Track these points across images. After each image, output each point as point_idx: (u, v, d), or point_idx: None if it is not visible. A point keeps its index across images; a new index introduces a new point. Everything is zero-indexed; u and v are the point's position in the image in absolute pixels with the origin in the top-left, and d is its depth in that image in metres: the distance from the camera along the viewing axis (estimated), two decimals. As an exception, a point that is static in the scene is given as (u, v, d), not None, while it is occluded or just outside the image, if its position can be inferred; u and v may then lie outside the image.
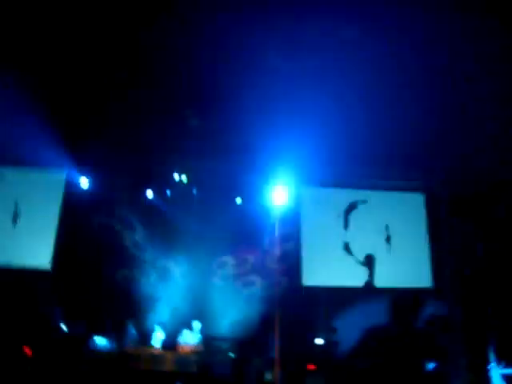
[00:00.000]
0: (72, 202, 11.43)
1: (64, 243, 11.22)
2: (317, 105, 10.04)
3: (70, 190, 11.46)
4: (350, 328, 10.65)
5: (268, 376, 9.66)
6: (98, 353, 9.51)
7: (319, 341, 10.43)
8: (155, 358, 9.43)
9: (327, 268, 11.51)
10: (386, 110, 10.09)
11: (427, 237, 11.86)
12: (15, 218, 11.40)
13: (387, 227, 11.91)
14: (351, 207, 12.03)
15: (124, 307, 10.63)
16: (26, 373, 9.37)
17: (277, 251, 11.39)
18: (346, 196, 12.14)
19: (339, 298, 11.09)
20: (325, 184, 12.09)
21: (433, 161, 11.47)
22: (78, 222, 11.26)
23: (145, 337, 10.11)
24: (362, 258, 11.63)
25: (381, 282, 11.51)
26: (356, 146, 11.10)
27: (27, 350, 9.59)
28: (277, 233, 11.42)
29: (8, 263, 11.00)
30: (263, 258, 11.48)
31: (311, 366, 9.85)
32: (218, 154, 11.35)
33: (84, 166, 11.36)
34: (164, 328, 10.20)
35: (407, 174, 11.98)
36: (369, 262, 11.56)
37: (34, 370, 9.41)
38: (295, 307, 10.88)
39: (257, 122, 10.64)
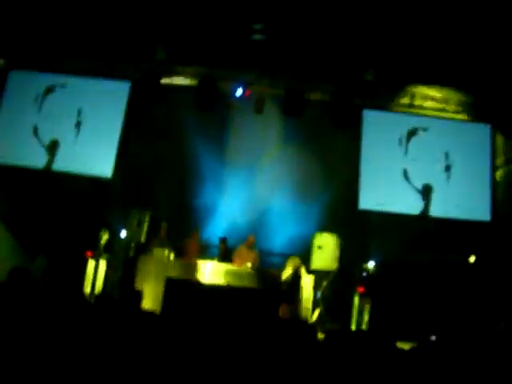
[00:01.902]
0: (135, 112, 11.59)
1: (126, 153, 11.48)
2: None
3: (134, 101, 11.57)
4: (400, 255, 10.81)
5: (318, 295, 9.91)
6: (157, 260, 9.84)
7: (370, 264, 10.56)
8: (210, 270, 9.65)
9: (384, 193, 11.48)
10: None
11: (490, 169, 11.61)
12: (78, 126, 11.63)
13: (447, 156, 11.67)
14: (412, 133, 11.79)
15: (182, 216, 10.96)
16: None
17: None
18: (407, 122, 11.88)
19: (393, 224, 11.15)
20: (387, 108, 11.87)
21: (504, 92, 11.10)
22: (140, 133, 11.47)
23: (203, 248, 10.30)
24: (419, 186, 11.50)
25: (437, 211, 11.43)
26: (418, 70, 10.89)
27: (88, 253, 10.00)
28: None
29: (70, 170, 11.38)
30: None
31: (361, 289, 10.02)
32: (280, 70, 11.24)
33: (147, 77, 11.38)
34: (225, 241, 10.32)
35: (471, 102, 11.64)
36: (426, 190, 11.43)
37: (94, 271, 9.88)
38: (350, 229, 11.01)
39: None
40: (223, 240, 10.15)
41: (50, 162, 11.47)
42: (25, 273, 5.69)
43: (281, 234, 11.08)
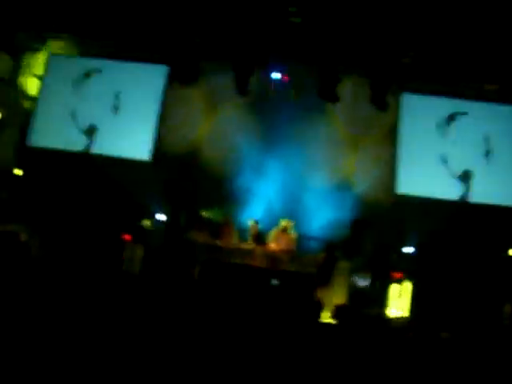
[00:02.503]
0: (172, 96, 11.65)
1: (163, 136, 11.54)
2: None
3: (171, 85, 11.62)
4: (438, 240, 10.66)
5: (355, 279, 9.85)
6: (191, 242, 9.89)
7: (408, 249, 10.46)
8: (245, 252, 9.68)
9: (422, 178, 11.30)
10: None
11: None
12: (116, 109, 11.73)
13: (487, 141, 11.42)
14: (451, 118, 11.57)
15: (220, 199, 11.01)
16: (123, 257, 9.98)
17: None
18: (446, 106, 11.65)
19: (431, 209, 10.99)
20: (426, 91, 11.67)
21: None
22: (177, 118, 11.53)
23: (239, 231, 10.32)
24: (458, 171, 11.29)
25: (476, 197, 11.21)
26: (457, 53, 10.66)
27: (126, 237, 10.12)
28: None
29: (108, 153, 11.49)
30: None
31: (397, 274, 9.94)
32: (318, 55, 11.15)
33: (185, 62, 11.41)
34: (257, 223, 10.35)
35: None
36: (465, 176, 11.22)
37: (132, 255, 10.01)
38: (387, 214, 10.91)
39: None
40: (255, 222, 10.18)
41: (88, 145, 11.59)
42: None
43: (318, 219, 11.02)
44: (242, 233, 10.38)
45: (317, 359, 5.40)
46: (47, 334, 4.84)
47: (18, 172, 11.16)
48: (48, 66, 12.06)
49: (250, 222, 10.31)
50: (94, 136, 11.64)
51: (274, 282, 9.13)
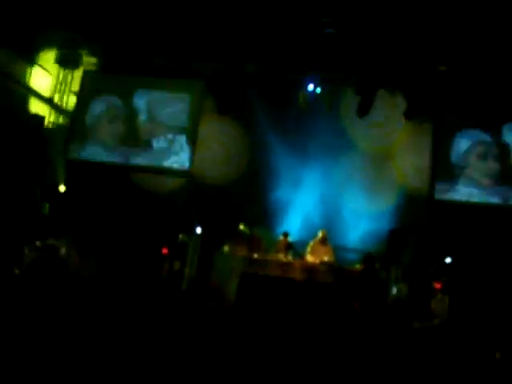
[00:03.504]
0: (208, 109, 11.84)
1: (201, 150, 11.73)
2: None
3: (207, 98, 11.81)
4: (482, 248, 10.46)
5: (394, 290, 9.75)
6: (228, 256, 9.97)
7: (448, 259, 10.31)
8: (284, 266, 9.70)
9: (461, 184, 11.16)
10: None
11: None
12: (152, 122, 12.03)
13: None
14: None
15: (258, 212, 11.07)
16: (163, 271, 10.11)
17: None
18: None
19: (473, 216, 10.82)
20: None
21: None
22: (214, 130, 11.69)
23: (275, 244, 10.35)
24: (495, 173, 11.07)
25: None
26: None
27: (164, 250, 10.25)
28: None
29: (146, 165, 11.70)
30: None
31: (438, 285, 9.80)
32: (351, 66, 11.15)
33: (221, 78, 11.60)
34: (287, 236, 10.33)
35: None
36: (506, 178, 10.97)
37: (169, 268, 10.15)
38: (426, 222, 10.79)
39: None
40: (285, 235, 10.21)
41: (129, 157, 11.87)
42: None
43: (355, 230, 10.98)
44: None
45: (358, 371, 5.39)
46: (85, 347, 4.95)
47: (61, 188, 11.45)
48: (84, 81, 12.46)
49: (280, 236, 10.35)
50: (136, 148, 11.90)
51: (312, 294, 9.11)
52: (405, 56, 10.72)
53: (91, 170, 11.89)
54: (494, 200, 10.98)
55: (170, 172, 11.80)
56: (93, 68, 12.40)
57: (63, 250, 9.56)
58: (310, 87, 11.34)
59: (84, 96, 12.45)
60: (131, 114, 12.18)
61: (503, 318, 8.81)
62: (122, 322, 6.09)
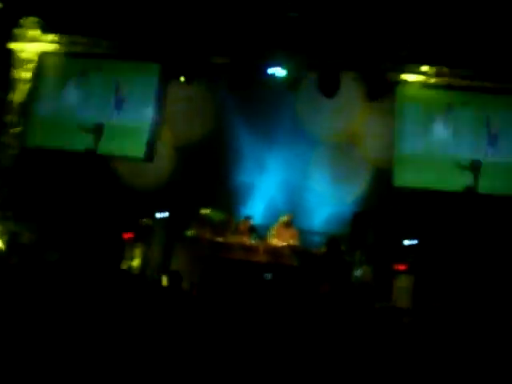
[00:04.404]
0: (170, 94, 11.64)
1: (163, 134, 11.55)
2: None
3: (165, 84, 11.62)
4: (442, 232, 10.61)
5: (357, 273, 9.80)
6: (192, 240, 9.86)
7: (411, 241, 10.40)
8: (247, 248, 9.67)
9: (423, 169, 11.26)
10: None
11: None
12: (118, 107, 11.74)
13: (492, 130, 11.32)
14: (451, 108, 11.50)
15: (221, 196, 10.98)
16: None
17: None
18: (446, 96, 11.57)
19: (435, 201, 10.93)
20: (425, 84, 11.60)
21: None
22: (177, 114, 11.51)
23: (238, 227, 10.29)
24: (464, 161, 11.19)
25: (482, 187, 11.06)
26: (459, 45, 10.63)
27: (127, 236, 10.11)
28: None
29: (108, 152, 11.48)
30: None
31: (401, 266, 9.89)
32: (317, 49, 11.10)
33: (180, 61, 11.40)
34: (250, 219, 10.35)
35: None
36: (472, 166, 11.11)
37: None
38: (388, 207, 10.86)
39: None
40: (247, 218, 10.24)
41: (93, 144, 11.58)
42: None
43: (319, 214, 11.00)
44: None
45: (317, 354, 5.37)
46: (44, 333, 4.83)
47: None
48: (41, 64, 12.07)
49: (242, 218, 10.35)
50: (97, 135, 11.60)
51: (267, 276, 9.11)
52: (366, 38, 10.70)
53: (50, 155, 11.56)
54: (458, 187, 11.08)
55: (131, 158, 11.53)
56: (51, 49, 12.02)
57: (25, 237, 9.37)
58: (275, 69, 11.22)
59: (42, 79, 12.07)
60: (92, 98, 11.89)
61: (466, 299, 8.98)
62: (86, 308, 5.96)
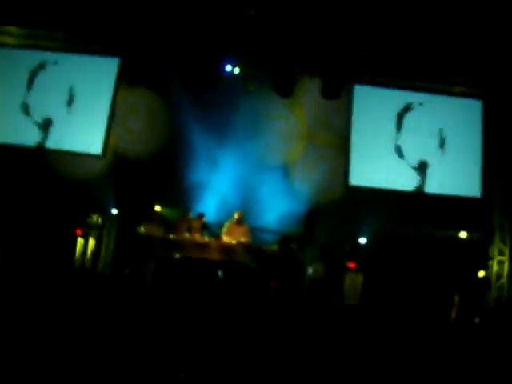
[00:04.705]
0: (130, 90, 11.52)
1: (115, 131, 11.39)
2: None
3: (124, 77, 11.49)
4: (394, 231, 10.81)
5: (309, 270, 9.90)
6: (144, 237, 9.79)
7: (362, 240, 10.56)
8: (200, 246, 9.61)
9: (375, 169, 11.41)
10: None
11: (481, 146, 11.48)
12: (70, 103, 11.50)
13: (442, 132, 11.54)
14: (406, 109, 11.69)
15: (174, 193, 10.92)
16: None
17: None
18: (400, 97, 11.75)
19: (386, 200, 11.12)
20: (379, 84, 11.78)
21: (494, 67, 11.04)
22: (130, 110, 11.39)
23: (191, 224, 10.25)
24: (413, 162, 11.40)
25: (430, 188, 11.35)
26: (414, 47, 10.79)
27: (79, 232, 9.98)
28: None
29: (62, 148, 11.25)
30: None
31: (352, 264, 10.03)
32: (271, 47, 11.13)
33: (139, 55, 11.27)
34: (203, 216, 10.30)
35: (466, 78, 11.54)
36: (421, 167, 11.36)
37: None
38: (340, 205, 10.99)
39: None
40: (200, 215, 10.20)
41: (43, 139, 11.34)
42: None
43: (272, 211, 11.04)
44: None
45: (267, 350, 5.41)
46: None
47: None
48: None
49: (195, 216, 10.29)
50: (48, 130, 11.37)
51: (219, 273, 9.12)
52: (323, 39, 10.78)
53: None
54: (409, 187, 11.32)
55: (83, 155, 11.34)
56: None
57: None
58: (229, 68, 11.22)
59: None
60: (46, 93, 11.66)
61: (412, 296, 9.20)
62: (38, 305, 5.89)
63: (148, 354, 4.94)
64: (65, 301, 6.47)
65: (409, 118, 11.62)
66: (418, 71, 11.45)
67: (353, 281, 9.78)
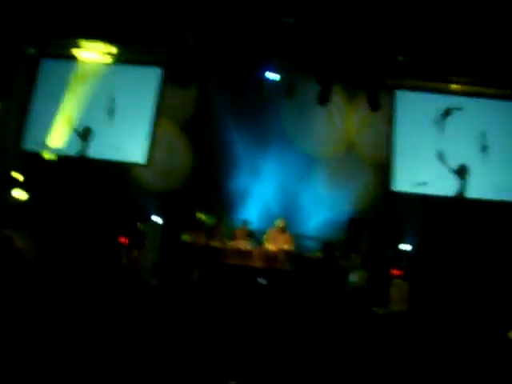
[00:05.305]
0: (167, 99, 11.63)
1: (158, 140, 11.53)
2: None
3: (165, 88, 11.61)
4: (437, 237, 10.66)
5: (353, 278, 9.79)
6: (186, 245, 9.84)
7: (406, 247, 10.42)
8: (243, 254, 9.62)
9: (418, 175, 11.32)
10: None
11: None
12: (111, 113, 11.69)
13: (484, 136, 11.40)
14: (446, 114, 11.58)
15: (216, 201, 10.97)
16: (121, 260, 9.92)
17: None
18: (441, 101, 11.64)
19: (428, 206, 10.99)
20: (420, 88, 11.66)
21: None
22: (172, 118, 11.50)
23: (236, 232, 10.27)
24: (455, 166, 11.28)
25: (472, 192, 11.20)
26: (454, 49, 10.64)
27: (123, 239, 10.07)
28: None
29: (104, 157, 11.43)
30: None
31: (396, 271, 9.90)
32: (312, 56, 11.13)
33: (180, 64, 11.39)
34: (247, 224, 10.34)
35: (508, 80, 11.36)
36: (462, 171, 11.21)
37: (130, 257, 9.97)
38: (382, 212, 10.90)
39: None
40: (244, 223, 10.23)
41: (84, 148, 11.55)
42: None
43: (314, 219, 11.00)
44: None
45: (318, 359, 5.38)
46: (43, 339, 4.80)
47: (16, 175, 11.10)
48: (40, 69, 12.02)
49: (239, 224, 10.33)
50: (90, 139, 11.59)
51: (262, 280, 9.11)
52: (362, 44, 10.74)
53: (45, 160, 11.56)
54: (450, 191, 11.21)
55: (128, 164, 11.54)
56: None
57: (19, 241, 9.27)
58: (270, 74, 11.25)
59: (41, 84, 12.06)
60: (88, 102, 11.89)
61: (462, 304, 9.02)
62: (85, 310, 5.96)
63: (195, 360, 4.96)
64: (111, 309, 6.54)
65: (450, 122, 11.50)
66: (458, 74, 11.32)
67: (398, 288, 9.65)
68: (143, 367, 4.67)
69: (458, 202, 11.04)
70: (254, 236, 9.99)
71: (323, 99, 11.21)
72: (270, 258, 9.54)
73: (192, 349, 5.20)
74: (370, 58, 10.99)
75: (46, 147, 11.62)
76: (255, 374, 5.00)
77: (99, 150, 11.48)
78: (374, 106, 11.29)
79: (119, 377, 4.47)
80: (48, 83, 11.96)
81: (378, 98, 11.25)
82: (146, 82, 11.78)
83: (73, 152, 11.56)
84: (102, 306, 6.46)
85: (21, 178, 11.02)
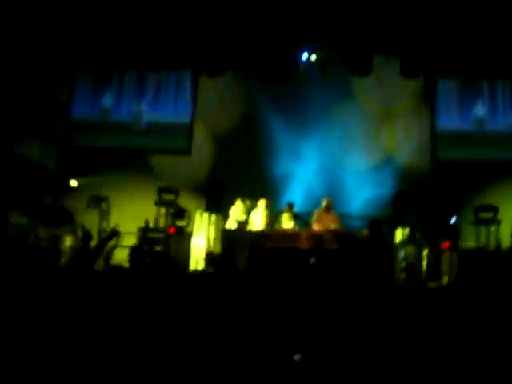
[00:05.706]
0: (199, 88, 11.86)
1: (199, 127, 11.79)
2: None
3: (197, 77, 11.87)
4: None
5: (401, 254, 9.73)
6: (229, 231, 9.97)
7: (454, 218, 10.29)
8: (290, 236, 9.69)
9: (462, 145, 11.19)
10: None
11: None
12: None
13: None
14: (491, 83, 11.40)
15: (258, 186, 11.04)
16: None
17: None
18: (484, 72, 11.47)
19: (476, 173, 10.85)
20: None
21: None
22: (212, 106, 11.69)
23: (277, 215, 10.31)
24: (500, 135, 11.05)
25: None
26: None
27: (171, 230, 10.16)
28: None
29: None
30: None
31: (446, 244, 9.79)
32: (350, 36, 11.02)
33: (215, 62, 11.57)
34: (292, 207, 10.26)
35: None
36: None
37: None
38: (429, 183, 10.84)
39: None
40: (290, 205, 10.15)
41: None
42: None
43: (358, 197, 10.95)
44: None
45: (373, 333, 5.39)
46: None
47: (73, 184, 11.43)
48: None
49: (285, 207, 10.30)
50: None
51: (312, 260, 9.10)
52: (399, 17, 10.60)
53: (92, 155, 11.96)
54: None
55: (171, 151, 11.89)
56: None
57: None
58: (305, 56, 11.22)
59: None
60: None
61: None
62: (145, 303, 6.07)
63: (258, 339, 5.03)
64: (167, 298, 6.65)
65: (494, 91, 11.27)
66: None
67: (447, 261, 9.54)
68: (206, 348, 4.76)
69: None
70: (300, 218, 9.99)
71: (360, 71, 11.13)
72: (317, 238, 9.55)
73: (254, 329, 5.28)
74: (409, 31, 10.83)
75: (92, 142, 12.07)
76: (318, 348, 5.05)
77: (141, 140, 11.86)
78: (412, 74, 11.12)
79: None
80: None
81: (417, 69, 11.09)
82: (182, 71, 12.23)
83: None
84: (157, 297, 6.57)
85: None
